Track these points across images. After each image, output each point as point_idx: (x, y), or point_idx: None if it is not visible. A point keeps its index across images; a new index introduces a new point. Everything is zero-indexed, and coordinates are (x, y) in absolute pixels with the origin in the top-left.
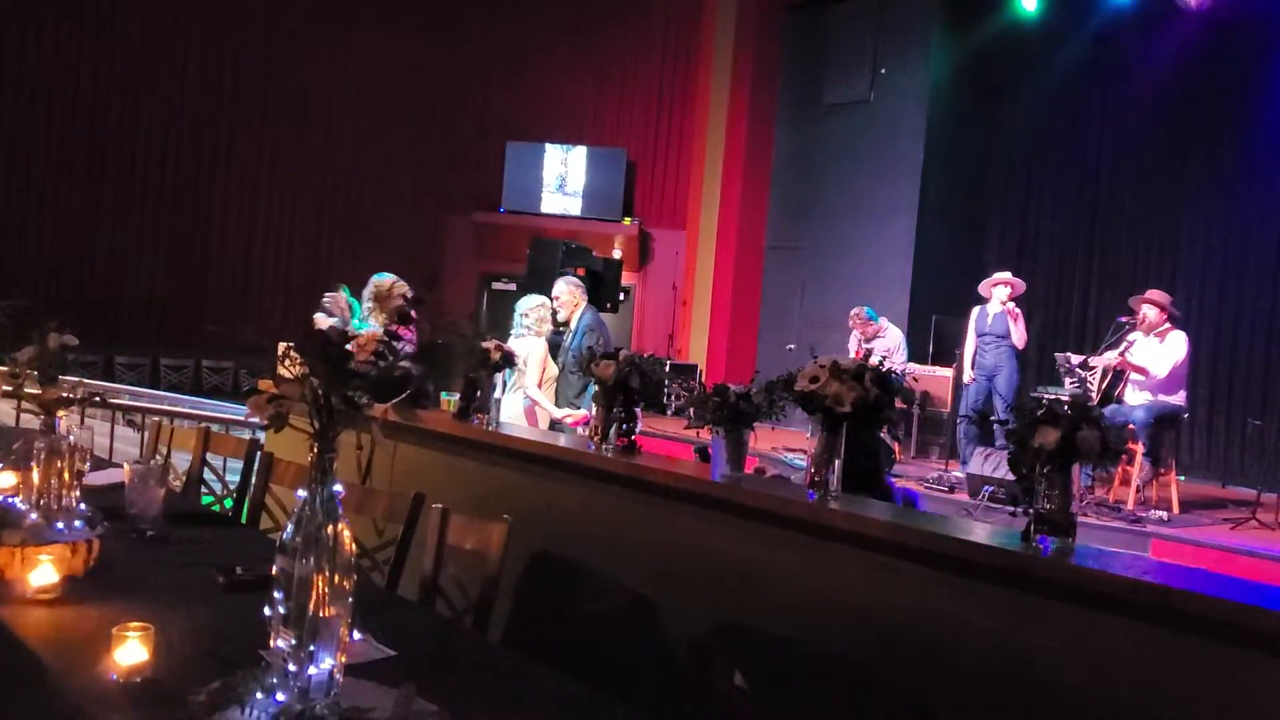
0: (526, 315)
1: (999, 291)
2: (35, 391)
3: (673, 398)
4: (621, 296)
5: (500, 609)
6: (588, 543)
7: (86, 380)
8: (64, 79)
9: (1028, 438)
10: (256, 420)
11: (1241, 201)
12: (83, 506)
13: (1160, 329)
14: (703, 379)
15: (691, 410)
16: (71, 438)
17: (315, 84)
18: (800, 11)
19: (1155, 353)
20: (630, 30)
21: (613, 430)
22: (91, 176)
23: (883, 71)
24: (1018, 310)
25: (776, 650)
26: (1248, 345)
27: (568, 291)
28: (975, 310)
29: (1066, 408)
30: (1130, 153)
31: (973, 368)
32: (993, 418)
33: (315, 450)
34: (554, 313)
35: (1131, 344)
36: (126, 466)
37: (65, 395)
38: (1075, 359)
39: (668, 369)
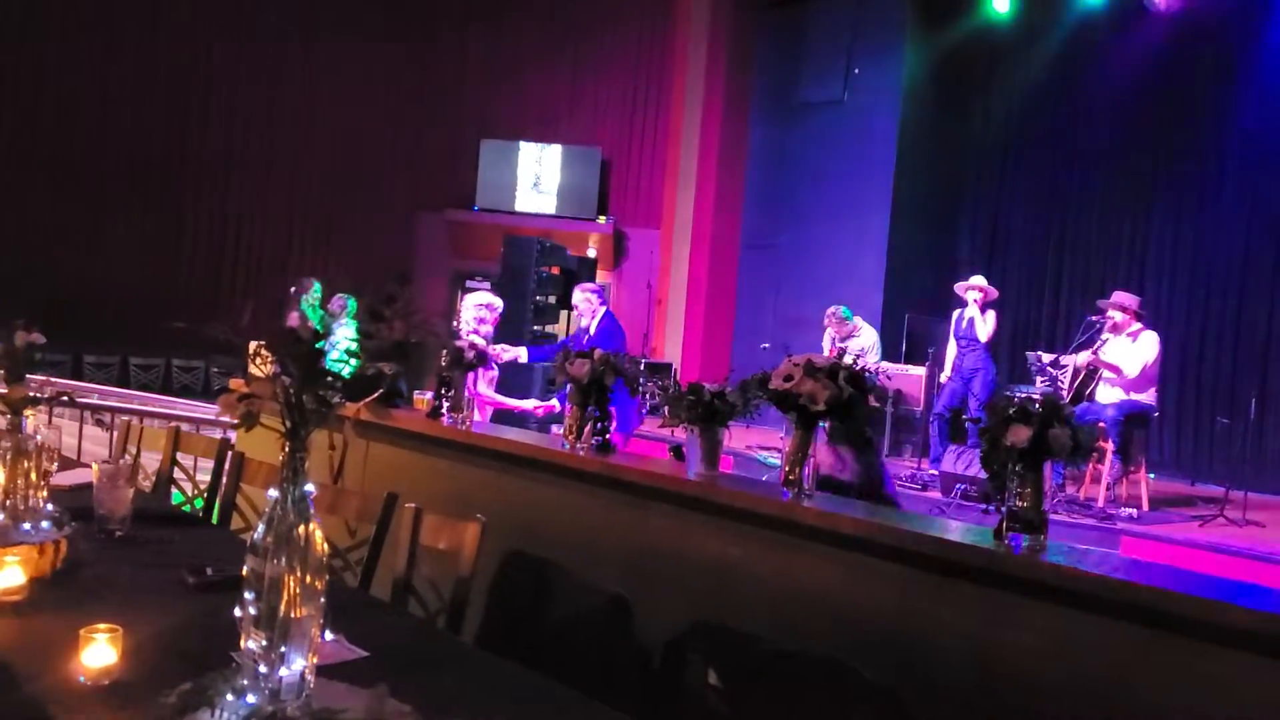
0: (460, 314)
1: (971, 295)
2: (1, 390)
3: (647, 396)
4: None
5: (474, 609)
6: (562, 542)
7: (54, 379)
8: (31, 76)
9: (1000, 435)
10: (227, 419)
11: (1210, 202)
12: (50, 507)
13: (1130, 330)
14: (678, 377)
15: (666, 409)
16: (39, 437)
17: (287, 81)
18: (774, 11)
19: (1127, 352)
20: (605, 28)
21: (587, 429)
22: (60, 173)
23: (856, 71)
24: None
25: (751, 648)
26: (1215, 345)
27: (585, 300)
28: (955, 314)
29: (1038, 406)
30: (1100, 152)
31: (952, 370)
32: (965, 416)
33: (287, 450)
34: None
35: (1104, 342)
36: (95, 466)
37: (32, 394)
38: (1046, 357)
39: (643, 367)
